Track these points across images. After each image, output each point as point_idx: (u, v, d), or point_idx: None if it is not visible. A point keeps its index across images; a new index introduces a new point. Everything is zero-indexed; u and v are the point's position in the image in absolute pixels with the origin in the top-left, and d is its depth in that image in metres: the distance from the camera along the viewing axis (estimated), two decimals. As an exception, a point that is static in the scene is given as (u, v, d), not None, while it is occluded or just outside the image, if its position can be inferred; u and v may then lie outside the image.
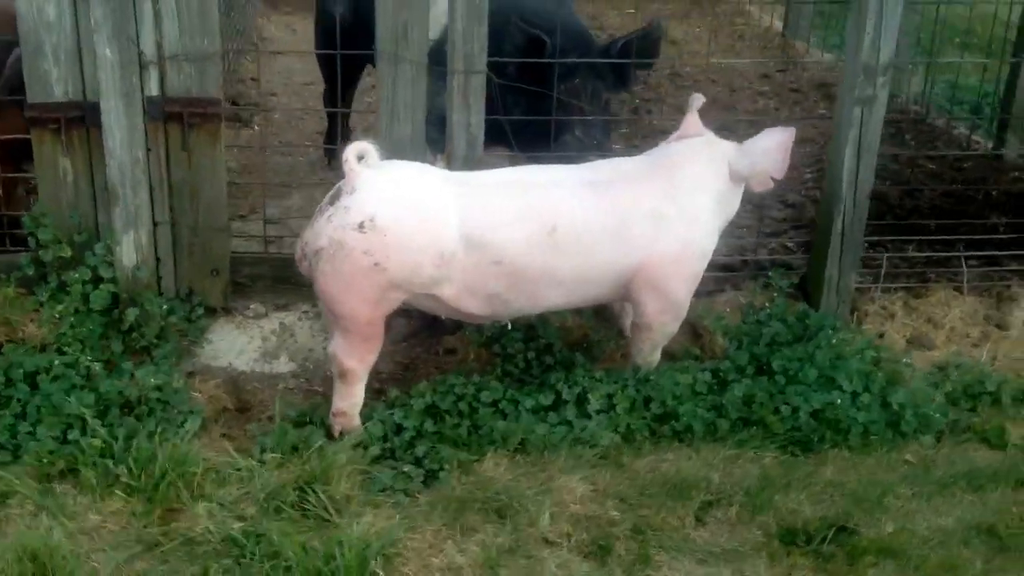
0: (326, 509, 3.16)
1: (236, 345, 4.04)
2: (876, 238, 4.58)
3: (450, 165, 3.93)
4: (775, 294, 4.32)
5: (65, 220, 3.91)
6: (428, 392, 3.65)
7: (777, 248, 5.17)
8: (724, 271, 4.68)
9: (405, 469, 3.39)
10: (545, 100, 4.06)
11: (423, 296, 3.50)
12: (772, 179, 3.73)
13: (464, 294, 3.50)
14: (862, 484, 3.46)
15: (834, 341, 4.01)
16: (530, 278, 3.52)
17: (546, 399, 3.67)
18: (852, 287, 4.37)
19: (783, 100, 6.90)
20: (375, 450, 3.46)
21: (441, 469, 3.40)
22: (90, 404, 3.42)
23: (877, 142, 4.16)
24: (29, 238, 3.90)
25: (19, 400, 3.45)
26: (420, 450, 3.46)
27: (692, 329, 4.17)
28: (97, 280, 3.89)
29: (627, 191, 3.60)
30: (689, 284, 3.72)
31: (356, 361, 3.49)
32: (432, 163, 3.90)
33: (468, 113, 3.89)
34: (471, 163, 3.92)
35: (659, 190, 3.62)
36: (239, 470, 3.29)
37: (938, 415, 3.80)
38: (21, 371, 3.54)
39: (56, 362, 3.56)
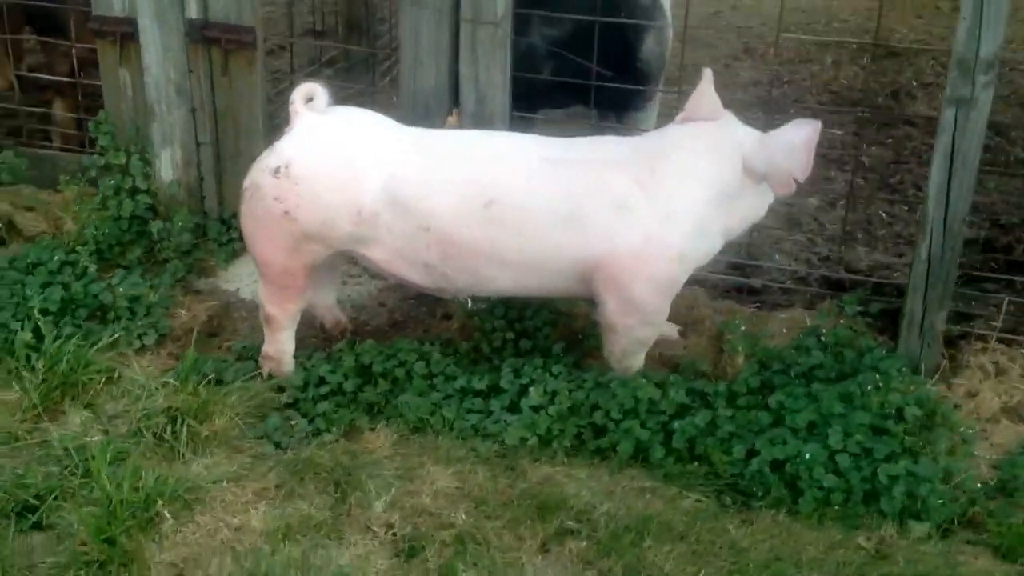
0: (183, 443, 3.12)
1: (256, 274, 4.06)
2: (1004, 276, 3.70)
3: (461, 122, 3.68)
4: (841, 320, 3.65)
5: (125, 129, 4.12)
6: (370, 352, 3.47)
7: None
8: (826, 287, 4.04)
9: (293, 422, 3.27)
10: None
11: (355, 254, 3.33)
12: (794, 180, 3.16)
13: (397, 259, 3.28)
14: (769, 559, 2.83)
15: (869, 387, 3.31)
16: (465, 252, 3.22)
17: (481, 383, 3.36)
18: (939, 329, 3.57)
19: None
20: (285, 397, 3.37)
21: (328, 430, 3.23)
22: (55, 300, 3.60)
23: (976, 154, 3.34)
24: (96, 142, 4.16)
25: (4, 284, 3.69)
26: (323, 407, 3.31)
27: (716, 342, 3.62)
28: (135, 190, 4.07)
29: (592, 174, 3.18)
30: (658, 288, 3.23)
31: (275, 307, 3.39)
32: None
33: (476, 67, 3.61)
34: (482, 120, 3.65)
35: (631, 178, 3.17)
36: (134, 388, 3.33)
37: (940, 501, 3.02)
38: (26, 261, 3.79)
39: (56, 257, 3.78)
